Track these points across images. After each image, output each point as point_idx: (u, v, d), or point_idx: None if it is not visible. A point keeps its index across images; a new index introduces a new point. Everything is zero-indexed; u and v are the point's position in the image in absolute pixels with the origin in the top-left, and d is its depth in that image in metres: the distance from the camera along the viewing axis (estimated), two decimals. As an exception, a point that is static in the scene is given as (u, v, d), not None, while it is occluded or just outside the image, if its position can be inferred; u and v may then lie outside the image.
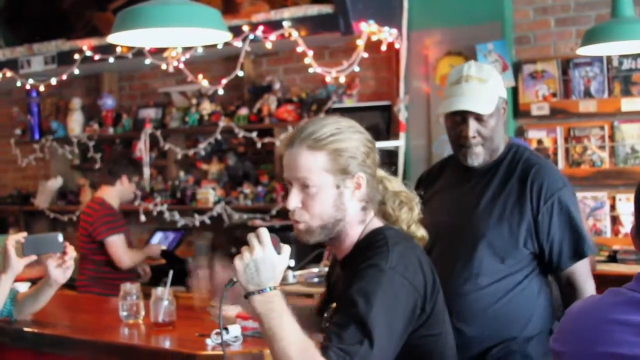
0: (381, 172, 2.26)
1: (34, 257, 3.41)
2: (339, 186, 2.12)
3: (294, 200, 2.14)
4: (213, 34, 3.43)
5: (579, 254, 2.78)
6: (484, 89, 2.82)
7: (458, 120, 2.83)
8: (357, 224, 2.18)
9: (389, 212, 2.25)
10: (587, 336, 1.73)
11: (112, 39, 3.44)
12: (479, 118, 2.80)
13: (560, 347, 1.79)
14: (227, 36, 3.46)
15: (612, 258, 4.83)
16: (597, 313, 1.75)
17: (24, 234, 3.41)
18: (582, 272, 2.80)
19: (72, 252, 3.44)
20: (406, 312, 2.04)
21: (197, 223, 6.35)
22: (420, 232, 2.26)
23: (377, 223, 2.20)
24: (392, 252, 2.07)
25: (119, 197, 5.49)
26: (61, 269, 3.41)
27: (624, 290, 1.76)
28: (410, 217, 2.23)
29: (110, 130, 6.86)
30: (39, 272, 6.19)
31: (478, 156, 2.85)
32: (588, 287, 2.80)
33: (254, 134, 5.99)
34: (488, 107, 2.80)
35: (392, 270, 2.03)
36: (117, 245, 5.29)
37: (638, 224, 1.83)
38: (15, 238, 3.36)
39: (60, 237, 3.41)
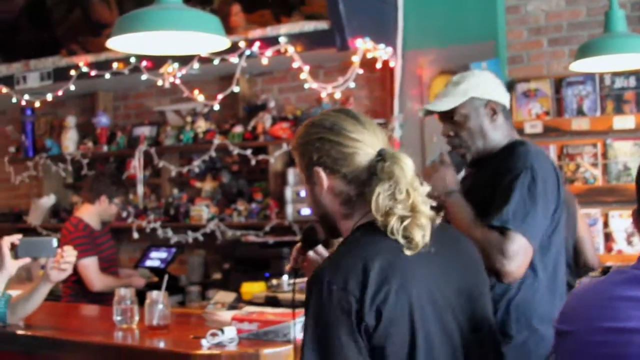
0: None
1: (27, 260, 3.41)
2: (308, 182, 2.14)
3: None
4: (211, 39, 3.45)
5: (490, 218, 2.65)
6: (452, 90, 2.92)
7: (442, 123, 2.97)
8: (344, 218, 2.10)
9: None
10: (594, 313, 1.73)
11: (110, 43, 3.46)
12: (451, 120, 2.91)
13: (565, 326, 1.79)
14: (226, 42, 3.49)
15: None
16: (603, 291, 1.76)
17: (19, 235, 3.41)
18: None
19: (69, 257, 3.45)
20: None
21: (190, 240, 6.34)
22: (416, 237, 1.96)
23: (366, 220, 2.04)
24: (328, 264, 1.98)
25: (98, 217, 5.40)
26: (57, 270, 3.43)
27: (628, 269, 1.77)
28: (399, 226, 1.96)
29: (105, 148, 6.86)
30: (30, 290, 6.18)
31: (465, 157, 2.93)
32: None
33: (249, 152, 6.01)
34: (445, 105, 2.89)
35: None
36: (86, 268, 5.18)
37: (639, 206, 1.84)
38: (10, 239, 3.36)
39: (55, 242, 3.41)
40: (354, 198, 2.06)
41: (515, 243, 2.59)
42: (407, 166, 1.99)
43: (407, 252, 1.94)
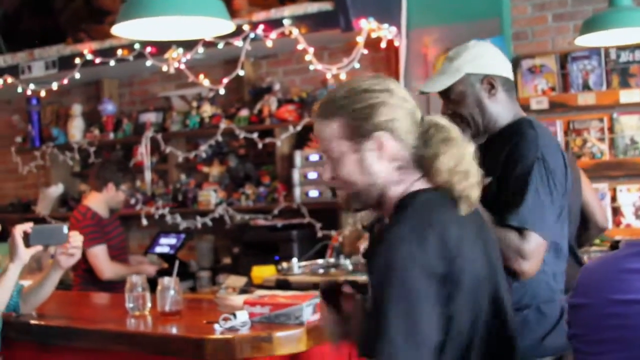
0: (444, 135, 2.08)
1: (40, 248, 3.42)
2: (357, 150, 2.07)
3: (327, 171, 2.15)
4: (216, 23, 3.45)
5: (505, 217, 2.53)
6: (447, 67, 2.77)
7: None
8: (394, 185, 2.08)
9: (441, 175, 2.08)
10: (606, 286, 1.74)
11: (115, 30, 3.46)
12: (447, 98, 2.77)
13: (578, 300, 1.80)
14: (230, 26, 3.49)
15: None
16: (614, 264, 1.77)
17: (31, 224, 3.41)
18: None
19: (76, 241, 3.45)
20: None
21: (199, 225, 6.36)
22: (473, 196, 2.06)
23: (419, 185, 2.07)
24: (404, 224, 1.98)
25: (106, 204, 5.40)
26: (65, 255, 3.44)
27: None
28: (460, 187, 2.04)
29: (111, 136, 6.88)
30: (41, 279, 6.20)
31: (466, 135, 2.74)
32: None
33: (255, 135, 6.01)
34: (439, 85, 2.75)
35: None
36: (96, 256, 5.18)
37: None
38: (22, 228, 3.37)
39: (65, 229, 3.42)
40: (407, 163, 2.06)
41: (532, 243, 2.52)
42: (457, 130, 2.09)
43: (463, 211, 2.02)
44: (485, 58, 2.77)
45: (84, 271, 5.26)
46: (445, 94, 2.78)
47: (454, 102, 2.76)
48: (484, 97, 2.75)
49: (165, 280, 3.45)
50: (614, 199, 5.20)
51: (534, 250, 2.52)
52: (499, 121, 2.76)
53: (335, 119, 2.09)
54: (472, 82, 2.74)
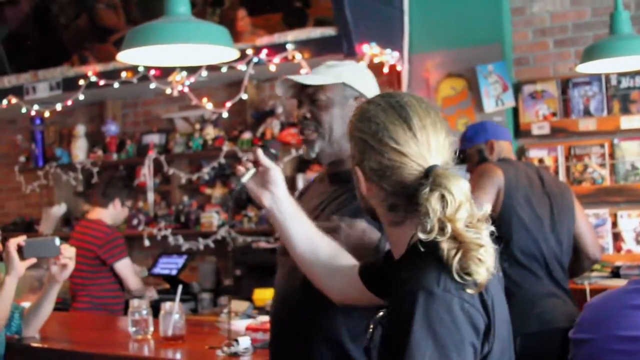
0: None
1: (33, 260, 3.45)
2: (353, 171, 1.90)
3: None
4: (220, 50, 3.48)
5: None
6: (324, 70, 2.52)
7: (298, 106, 2.54)
8: (388, 225, 1.86)
9: None
10: (611, 321, 1.76)
11: (121, 57, 3.50)
12: (312, 98, 2.46)
13: (582, 335, 1.82)
14: (235, 53, 3.52)
15: (615, 274, 4.87)
16: (619, 300, 1.79)
17: (24, 237, 3.45)
18: None
19: (68, 252, 3.47)
20: None
21: (202, 247, 6.38)
22: None
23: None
24: None
25: (111, 220, 5.46)
26: (59, 266, 3.46)
27: None
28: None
29: (114, 156, 6.91)
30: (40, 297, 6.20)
31: (312, 145, 2.47)
32: None
33: (258, 158, 6.02)
34: (314, 80, 2.46)
35: None
36: (127, 266, 5.28)
37: None
38: (15, 241, 3.40)
39: (57, 241, 3.46)
40: (402, 207, 1.78)
41: None
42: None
43: None
44: (366, 82, 2.53)
45: (99, 288, 5.27)
46: (312, 93, 2.49)
47: (318, 105, 2.46)
48: (347, 117, 2.29)
49: (168, 305, 3.47)
50: (614, 224, 5.22)
51: None
52: (343, 149, 2.44)
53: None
54: (346, 95, 2.46)
